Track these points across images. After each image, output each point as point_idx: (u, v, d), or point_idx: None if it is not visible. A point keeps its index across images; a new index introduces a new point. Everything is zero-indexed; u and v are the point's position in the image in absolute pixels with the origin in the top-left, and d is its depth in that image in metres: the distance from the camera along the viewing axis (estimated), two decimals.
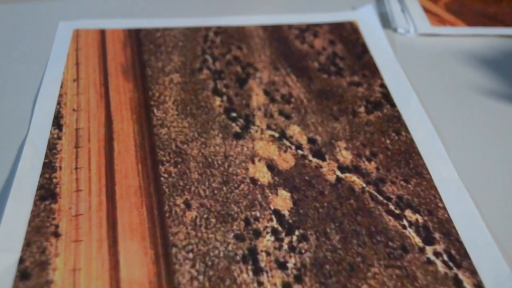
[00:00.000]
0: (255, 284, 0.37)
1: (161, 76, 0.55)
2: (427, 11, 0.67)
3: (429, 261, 0.39)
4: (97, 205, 0.42)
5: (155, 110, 0.51)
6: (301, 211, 0.42)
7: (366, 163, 0.47)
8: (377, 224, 0.42)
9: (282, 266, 0.39)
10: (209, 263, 0.39)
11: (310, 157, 0.47)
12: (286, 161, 0.46)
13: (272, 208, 0.43)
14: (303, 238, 0.41)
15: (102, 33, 0.61)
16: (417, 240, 0.41)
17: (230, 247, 0.40)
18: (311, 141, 0.48)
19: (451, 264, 0.39)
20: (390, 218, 0.42)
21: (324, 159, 0.47)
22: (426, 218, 0.42)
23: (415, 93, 0.54)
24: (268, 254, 0.39)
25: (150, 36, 0.61)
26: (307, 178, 0.45)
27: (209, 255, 0.39)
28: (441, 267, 0.39)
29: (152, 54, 0.58)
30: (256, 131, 0.49)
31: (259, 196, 0.43)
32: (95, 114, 0.50)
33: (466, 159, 0.47)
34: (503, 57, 0.60)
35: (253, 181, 0.45)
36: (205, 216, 0.42)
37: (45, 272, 0.38)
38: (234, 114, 0.51)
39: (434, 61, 0.59)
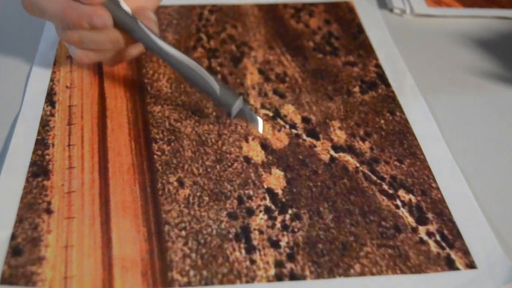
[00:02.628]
0: (248, 262, 0.37)
1: None
2: None
3: (422, 241, 0.39)
4: (90, 182, 0.42)
5: (149, 88, 0.51)
6: (294, 190, 0.42)
7: (360, 143, 0.46)
8: (370, 204, 0.42)
9: (275, 244, 0.39)
10: (202, 241, 0.39)
11: (304, 136, 0.47)
12: (280, 140, 0.46)
13: (266, 186, 0.42)
14: (296, 217, 0.40)
15: None
16: (410, 220, 0.41)
17: (223, 225, 0.40)
18: (305, 120, 0.48)
19: (443, 244, 0.39)
20: (384, 198, 0.42)
21: (318, 139, 0.47)
22: (419, 198, 0.42)
23: (410, 73, 0.54)
24: (261, 232, 0.39)
25: None
26: (300, 157, 0.45)
27: (201, 233, 0.39)
28: (433, 247, 0.39)
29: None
30: (250, 110, 0.49)
31: (252, 174, 0.43)
32: (89, 91, 0.50)
33: (460, 139, 0.47)
34: (499, 39, 0.60)
35: (247, 159, 0.44)
36: (198, 194, 0.42)
37: (37, 249, 0.38)
38: None
39: (429, 42, 0.59)
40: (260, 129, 0.46)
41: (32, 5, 0.45)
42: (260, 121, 0.46)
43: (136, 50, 0.48)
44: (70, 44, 0.46)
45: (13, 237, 0.38)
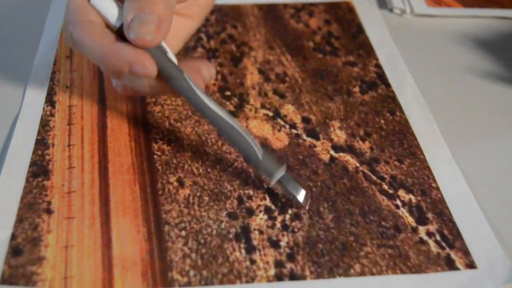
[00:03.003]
0: (248, 262, 0.37)
1: None
2: None
3: (422, 241, 0.39)
4: (90, 182, 0.42)
5: None
6: None
7: (360, 142, 0.46)
8: (370, 204, 0.42)
9: (275, 244, 0.39)
10: (202, 241, 0.39)
11: (304, 136, 0.47)
12: (280, 140, 0.46)
13: (266, 186, 0.42)
14: (296, 217, 0.40)
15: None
16: (410, 220, 0.41)
17: (223, 225, 0.40)
18: (305, 120, 0.48)
19: (443, 244, 0.39)
20: (384, 198, 0.42)
21: (318, 139, 0.47)
22: (419, 198, 0.42)
23: (410, 73, 0.54)
24: (261, 232, 0.39)
25: None
26: (300, 157, 0.45)
27: (201, 233, 0.39)
28: (433, 247, 0.39)
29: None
30: (250, 110, 0.49)
31: (252, 174, 0.43)
32: (88, 91, 0.50)
33: (460, 139, 0.47)
34: (499, 39, 0.60)
35: None
36: (198, 194, 0.42)
37: (37, 249, 0.38)
38: (228, 93, 0.51)
39: (429, 42, 0.59)
40: (301, 200, 0.41)
41: (74, 44, 0.41)
42: (303, 192, 0.41)
43: None
44: (111, 76, 0.45)
45: (13, 237, 0.38)
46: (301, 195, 0.41)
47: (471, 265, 0.38)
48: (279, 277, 0.37)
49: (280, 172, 0.41)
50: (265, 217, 0.40)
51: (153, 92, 0.43)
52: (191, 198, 0.41)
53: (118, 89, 0.45)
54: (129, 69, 0.39)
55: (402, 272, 0.37)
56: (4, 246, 0.38)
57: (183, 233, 0.39)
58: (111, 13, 0.41)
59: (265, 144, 0.46)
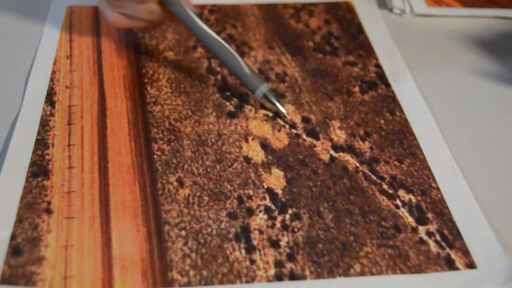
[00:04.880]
0: (248, 262, 0.37)
1: (155, 54, 0.55)
2: None
3: (422, 241, 0.39)
4: (90, 182, 0.42)
5: (148, 88, 0.51)
6: (294, 190, 0.42)
7: (360, 142, 0.46)
8: (370, 204, 0.42)
9: (275, 244, 0.39)
10: (202, 241, 0.39)
11: (304, 136, 0.47)
12: (280, 140, 0.46)
13: (265, 186, 0.42)
14: (296, 216, 0.40)
15: (96, 10, 0.61)
16: (410, 219, 0.41)
17: (223, 225, 0.40)
18: (305, 120, 0.48)
19: (443, 244, 0.39)
20: (383, 197, 0.42)
21: (318, 138, 0.47)
22: (419, 198, 0.42)
23: (410, 73, 0.54)
24: (261, 232, 0.39)
25: None
26: (300, 157, 0.45)
27: (201, 233, 0.39)
28: (433, 247, 0.39)
29: (146, 32, 0.57)
30: (250, 110, 0.49)
31: (252, 174, 0.43)
32: (88, 91, 0.50)
33: (460, 139, 0.47)
34: (499, 39, 0.60)
35: (247, 159, 0.44)
36: (198, 194, 0.42)
37: (37, 249, 0.38)
38: (228, 93, 0.51)
39: (429, 42, 0.59)
40: (284, 110, 0.48)
41: None
42: (281, 103, 0.48)
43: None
44: (110, 5, 0.48)
45: (13, 237, 0.38)
46: (283, 107, 0.48)
47: (471, 265, 0.38)
48: (279, 277, 0.37)
49: (263, 89, 0.48)
50: (265, 217, 0.40)
51: (150, 18, 0.49)
52: (191, 198, 0.41)
53: (116, 19, 0.49)
54: None
55: (402, 272, 0.37)
56: (4, 246, 0.38)
57: (183, 233, 0.39)
58: None
59: (265, 144, 0.46)
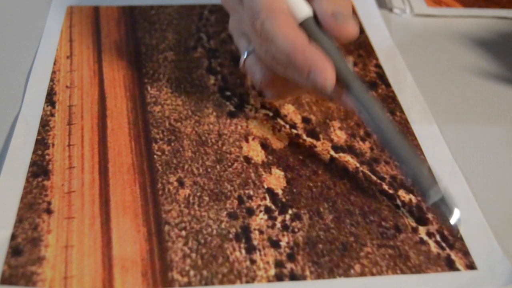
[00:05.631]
0: (248, 262, 0.37)
1: (155, 53, 0.55)
2: None
3: (422, 241, 0.39)
4: (90, 182, 0.42)
5: (149, 88, 0.51)
6: (294, 190, 0.42)
7: (360, 143, 0.46)
8: (371, 204, 0.42)
9: (275, 244, 0.39)
10: (202, 241, 0.39)
11: (304, 136, 0.47)
12: (280, 140, 0.46)
13: (266, 186, 0.42)
14: (296, 217, 0.40)
15: (96, 10, 0.61)
16: (410, 220, 0.41)
17: (223, 225, 0.40)
18: (305, 120, 0.48)
19: (443, 244, 0.39)
20: (384, 198, 0.42)
21: (318, 139, 0.47)
22: (419, 198, 0.42)
23: (410, 73, 0.54)
24: (261, 232, 0.39)
25: (144, 13, 0.60)
26: (301, 157, 0.45)
27: (202, 233, 0.39)
28: (433, 248, 0.39)
29: (146, 32, 0.57)
30: (251, 110, 0.49)
31: (252, 174, 0.43)
32: (89, 91, 0.50)
33: (460, 140, 0.47)
34: (499, 39, 0.60)
35: (247, 159, 0.44)
36: (198, 194, 0.42)
37: (37, 249, 0.38)
38: (228, 93, 0.51)
39: (429, 42, 0.59)
40: (453, 222, 0.40)
41: (262, 32, 0.40)
42: (457, 212, 0.40)
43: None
44: (271, 68, 0.43)
45: (13, 237, 0.38)
46: (454, 217, 0.39)
47: (471, 265, 0.38)
48: (279, 277, 0.37)
49: (438, 193, 0.39)
50: (265, 217, 0.40)
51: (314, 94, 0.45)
52: (191, 198, 0.41)
53: (270, 92, 0.46)
54: (308, 74, 0.39)
55: (402, 272, 0.37)
56: (4, 246, 0.38)
57: (183, 233, 0.39)
58: (297, 2, 0.42)
59: (265, 144, 0.46)
